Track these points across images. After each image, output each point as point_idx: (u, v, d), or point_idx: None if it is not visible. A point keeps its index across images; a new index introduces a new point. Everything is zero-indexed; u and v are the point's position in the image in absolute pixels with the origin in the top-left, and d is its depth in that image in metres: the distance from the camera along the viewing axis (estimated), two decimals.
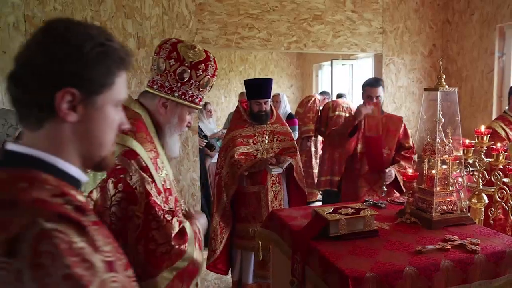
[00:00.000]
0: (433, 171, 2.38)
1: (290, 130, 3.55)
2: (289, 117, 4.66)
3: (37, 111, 0.75)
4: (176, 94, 1.63)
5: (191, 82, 1.63)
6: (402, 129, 3.55)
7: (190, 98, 1.65)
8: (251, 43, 4.34)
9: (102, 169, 0.89)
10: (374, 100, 3.47)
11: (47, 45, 0.74)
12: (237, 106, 3.54)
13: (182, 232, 1.57)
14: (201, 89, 1.67)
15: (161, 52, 1.63)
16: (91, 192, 1.49)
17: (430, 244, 2.08)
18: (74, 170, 0.80)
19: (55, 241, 0.61)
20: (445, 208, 2.38)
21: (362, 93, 3.57)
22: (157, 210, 1.49)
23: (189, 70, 1.60)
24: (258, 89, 3.33)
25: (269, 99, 3.36)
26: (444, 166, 2.43)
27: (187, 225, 1.63)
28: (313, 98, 6.32)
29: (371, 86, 3.52)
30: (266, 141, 3.30)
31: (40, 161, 0.75)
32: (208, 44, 4.24)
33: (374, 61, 5.08)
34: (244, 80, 3.44)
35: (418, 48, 5.00)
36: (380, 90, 3.50)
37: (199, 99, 1.70)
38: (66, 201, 0.71)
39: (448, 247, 2.05)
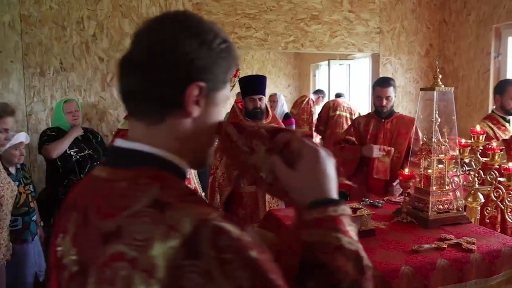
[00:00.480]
0: (430, 171, 2.39)
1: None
2: (286, 116, 4.67)
3: (162, 105, 0.71)
4: None
5: None
6: (413, 131, 3.31)
7: None
8: (248, 43, 4.34)
9: (203, 166, 0.85)
10: (384, 101, 3.31)
11: (182, 39, 0.71)
12: (233, 106, 3.52)
13: None
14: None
15: None
16: None
17: (426, 243, 2.08)
18: (184, 166, 0.77)
19: (231, 235, 0.59)
20: (441, 207, 2.38)
21: (372, 93, 3.48)
22: None
23: None
24: (252, 85, 3.32)
25: (264, 96, 3.33)
26: (440, 166, 2.44)
27: None
28: (306, 99, 6.31)
29: (381, 86, 3.37)
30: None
31: (161, 159, 0.72)
32: None
33: (371, 61, 5.10)
34: (239, 79, 3.43)
35: (415, 48, 5.01)
36: (390, 91, 3.34)
37: None
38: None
39: (444, 246, 2.05)
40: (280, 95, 5.12)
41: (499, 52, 4.54)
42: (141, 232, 0.58)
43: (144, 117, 0.73)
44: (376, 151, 3.20)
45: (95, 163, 3.67)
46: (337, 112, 5.62)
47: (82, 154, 3.62)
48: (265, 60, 9.01)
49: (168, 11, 0.79)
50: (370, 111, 3.80)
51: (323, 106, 5.90)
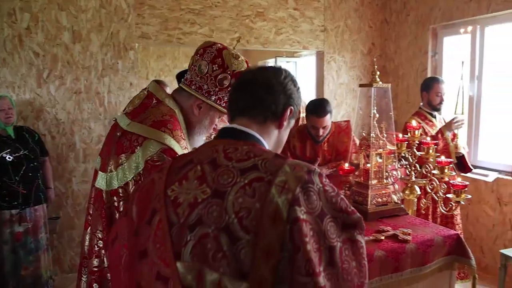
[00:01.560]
0: (369, 165, 2.45)
1: (227, 123, 3.41)
2: None
3: (270, 113, 1.13)
4: (213, 98, 1.66)
5: (229, 89, 1.63)
6: (351, 145, 3.23)
7: (224, 103, 1.68)
8: (193, 39, 4.28)
9: None
10: (321, 131, 3.12)
11: (289, 81, 1.18)
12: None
13: None
14: None
15: (205, 54, 1.64)
16: (126, 184, 1.54)
17: (364, 235, 2.13)
18: None
19: (329, 186, 0.99)
20: (380, 200, 2.46)
21: (306, 117, 3.22)
22: None
23: (230, 78, 1.63)
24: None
25: None
26: (379, 160, 2.51)
27: None
28: None
29: (317, 116, 3.07)
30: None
31: (260, 141, 1.11)
32: (149, 40, 4.14)
33: (316, 59, 5.18)
34: (176, 74, 3.34)
35: (358, 46, 5.14)
36: (327, 119, 3.11)
37: None
38: None
39: (382, 237, 2.12)
40: None
41: (436, 51, 4.75)
42: (272, 167, 0.95)
43: (256, 117, 1.13)
44: (325, 170, 3.16)
45: (32, 164, 3.48)
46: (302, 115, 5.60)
47: (17, 154, 3.42)
48: None
49: (280, 69, 1.20)
50: (302, 122, 3.65)
51: None
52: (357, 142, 3.08)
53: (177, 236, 0.95)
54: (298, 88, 1.21)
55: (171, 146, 1.53)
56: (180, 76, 3.31)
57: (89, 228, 1.65)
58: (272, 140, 1.17)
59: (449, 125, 3.42)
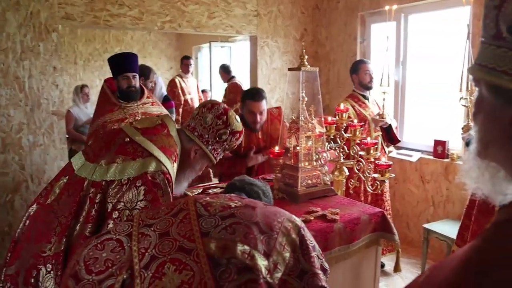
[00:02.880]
0: (298, 148, 2.50)
1: (164, 110, 3.35)
2: (166, 99, 4.52)
3: None
4: (210, 147, 1.94)
5: (224, 144, 1.96)
6: (283, 130, 3.15)
7: (216, 154, 1.98)
8: (121, 22, 4.09)
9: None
10: (258, 116, 3.15)
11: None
12: (102, 87, 3.28)
13: None
14: (225, 151, 2.04)
15: (212, 109, 1.94)
16: (111, 181, 1.68)
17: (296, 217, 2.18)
18: None
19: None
20: (310, 182, 2.52)
21: (242, 105, 3.26)
22: None
23: (228, 135, 1.95)
24: (124, 62, 3.12)
25: (137, 74, 3.15)
26: (309, 143, 2.57)
27: None
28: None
29: (254, 100, 3.15)
30: None
31: None
32: (73, 21, 3.90)
33: (250, 44, 5.17)
34: (108, 58, 3.21)
35: (290, 32, 5.20)
36: (264, 104, 3.19)
37: (219, 157, 2.01)
38: None
39: (311, 218, 2.17)
40: (159, 77, 4.95)
41: (364, 38, 4.92)
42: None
43: None
44: (261, 158, 3.19)
45: None
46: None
47: None
48: (145, 41, 8.66)
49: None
50: None
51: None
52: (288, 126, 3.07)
53: (206, 222, 1.23)
54: None
55: (170, 173, 1.75)
56: (112, 61, 3.18)
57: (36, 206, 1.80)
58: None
59: (374, 122, 3.61)
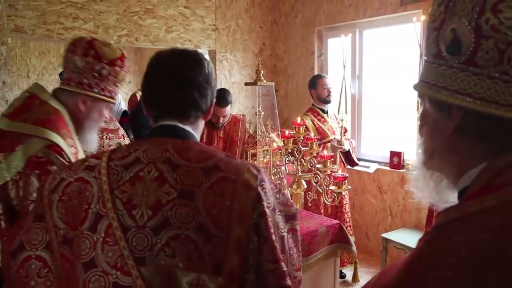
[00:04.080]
0: (256, 162, 2.50)
1: (118, 126, 3.23)
2: (124, 114, 4.45)
3: (201, 113, 1.14)
4: (96, 90, 1.68)
5: (109, 78, 1.70)
6: (246, 136, 3.44)
7: (109, 93, 1.72)
8: (76, 35, 3.99)
9: None
10: (221, 119, 3.29)
11: (211, 70, 1.17)
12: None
13: None
14: (118, 85, 1.77)
15: (76, 50, 1.65)
16: (5, 184, 1.48)
17: None
18: None
19: (272, 183, 1.09)
20: None
21: None
22: None
23: (107, 67, 1.67)
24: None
25: None
26: (267, 157, 2.58)
27: None
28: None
29: (219, 106, 3.21)
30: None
31: (196, 138, 1.13)
32: (24, 34, 3.78)
33: (209, 58, 5.17)
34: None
35: (249, 46, 5.25)
36: (228, 109, 3.30)
37: (115, 94, 1.77)
38: None
39: None
40: (118, 93, 4.86)
41: (321, 52, 5.03)
42: (231, 167, 1.00)
43: (190, 119, 1.12)
44: None
45: None
46: None
47: None
48: None
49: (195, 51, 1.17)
50: None
51: None
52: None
53: (137, 240, 0.93)
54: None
55: (56, 142, 1.53)
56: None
57: None
58: (200, 131, 1.19)
59: (333, 148, 3.68)
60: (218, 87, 4.98)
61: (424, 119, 0.77)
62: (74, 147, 1.63)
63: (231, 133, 3.46)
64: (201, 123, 1.18)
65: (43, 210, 1.02)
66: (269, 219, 0.99)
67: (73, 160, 1.57)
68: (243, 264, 0.94)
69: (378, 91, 4.53)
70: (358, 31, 4.49)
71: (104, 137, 3.08)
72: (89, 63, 1.65)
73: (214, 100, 1.19)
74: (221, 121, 3.34)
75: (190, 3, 4.69)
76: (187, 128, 1.11)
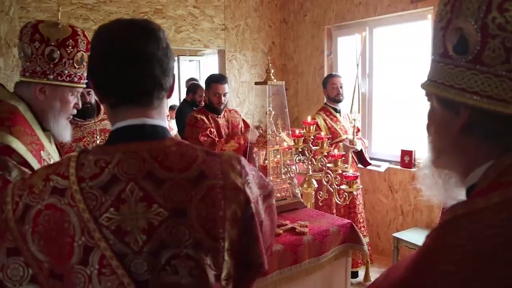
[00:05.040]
0: (267, 161, 2.50)
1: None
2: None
3: (164, 93, 0.99)
4: (51, 76, 1.57)
5: (63, 61, 1.57)
6: (242, 121, 3.66)
7: (68, 77, 1.60)
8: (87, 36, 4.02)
9: None
10: (222, 98, 3.47)
11: (168, 43, 0.99)
12: None
13: None
14: (77, 66, 1.62)
15: (23, 37, 1.55)
16: None
17: None
18: None
19: (252, 169, 1.04)
20: (279, 195, 2.51)
21: (208, 89, 3.52)
22: None
23: (57, 49, 1.54)
24: None
25: (91, 90, 2.87)
26: (277, 156, 2.57)
27: None
28: None
29: (219, 83, 3.47)
30: (98, 142, 2.94)
31: (168, 130, 1.00)
32: None
33: (218, 57, 5.18)
34: None
35: (258, 45, 5.24)
36: (227, 87, 3.52)
37: (78, 77, 1.63)
38: None
39: (280, 231, 2.16)
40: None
41: (331, 50, 5.00)
42: (215, 169, 0.93)
43: (155, 103, 0.97)
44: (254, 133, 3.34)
45: None
46: None
47: None
48: None
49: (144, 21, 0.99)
50: (201, 107, 3.90)
51: None
52: (246, 120, 3.79)
53: (136, 266, 0.87)
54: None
55: (7, 143, 1.42)
56: None
57: None
58: (165, 113, 1.04)
59: (345, 148, 3.68)
60: (230, 86, 5.00)
61: (431, 117, 0.77)
62: (35, 143, 1.53)
63: (230, 119, 3.64)
64: (165, 104, 1.03)
65: (16, 244, 0.89)
66: (256, 219, 0.97)
67: (30, 159, 1.47)
68: (236, 265, 0.95)
69: (388, 90, 4.49)
70: (368, 29, 4.45)
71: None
72: (37, 49, 1.53)
73: (175, 76, 1.04)
74: (222, 100, 3.47)
75: (199, 3, 4.69)
76: (157, 122, 0.97)
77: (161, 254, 0.87)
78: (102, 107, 3.15)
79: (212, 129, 3.43)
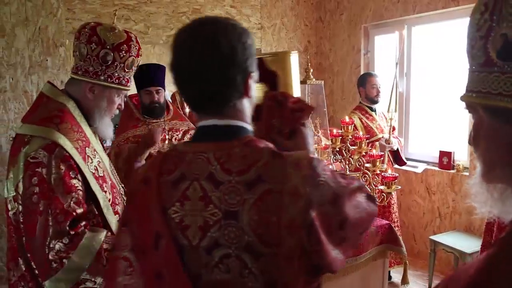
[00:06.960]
0: None
1: (192, 125, 3.06)
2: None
3: (239, 94, 0.98)
4: (102, 77, 1.64)
5: (115, 64, 1.65)
6: None
7: (117, 80, 1.68)
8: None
9: None
10: None
11: (249, 41, 1.02)
12: (126, 102, 3.20)
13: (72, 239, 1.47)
14: (126, 70, 1.70)
15: (81, 37, 1.63)
16: (17, 186, 1.50)
17: None
18: None
19: (329, 170, 0.97)
20: None
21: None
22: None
23: (111, 53, 1.62)
24: (147, 75, 2.81)
25: (162, 89, 2.88)
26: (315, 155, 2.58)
27: (90, 235, 1.50)
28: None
29: None
30: (167, 141, 2.87)
31: (245, 128, 1.02)
32: None
33: None
34: None
35: (294, 44, 5.24)
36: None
37: (126, 80, 1.72)
38: None
39: None
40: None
41: (368, 49, 4.95)
42: (276, 172, 0.91)
43: (231, 103, 0.98)
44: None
45: None
46: None
47: None
48: (149, 54, 8.67)
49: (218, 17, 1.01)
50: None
51: None
52: None
53: (192, 258, 0.94)
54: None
55: (55, 139, 1.51)
56: (135, 73, 3.10)
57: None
58: (248, 111, 1.04)
59: (381, 147, 3.64)
60: None
61: (478, 130, 0.73)
62: (81, 141, 1.60)
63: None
64: (243, 104, 1.02)
65: (126, 217, 1.08)
66: (318, 224, 0.90)
67: (76, 156, 1.54)
68: (297, 274, 0.91)
69: (426, 89, 4.41)
70: (406, 28, 4.38)
71: (173, 138, 2.98)
72: (93, 50, 1.61)
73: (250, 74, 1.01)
74: None
75: (236, 2, 4.74)
76: (231, 122, 0.99)
77: (214, 252, 0.92)
78: (171, 106, 3.12)
79: None
